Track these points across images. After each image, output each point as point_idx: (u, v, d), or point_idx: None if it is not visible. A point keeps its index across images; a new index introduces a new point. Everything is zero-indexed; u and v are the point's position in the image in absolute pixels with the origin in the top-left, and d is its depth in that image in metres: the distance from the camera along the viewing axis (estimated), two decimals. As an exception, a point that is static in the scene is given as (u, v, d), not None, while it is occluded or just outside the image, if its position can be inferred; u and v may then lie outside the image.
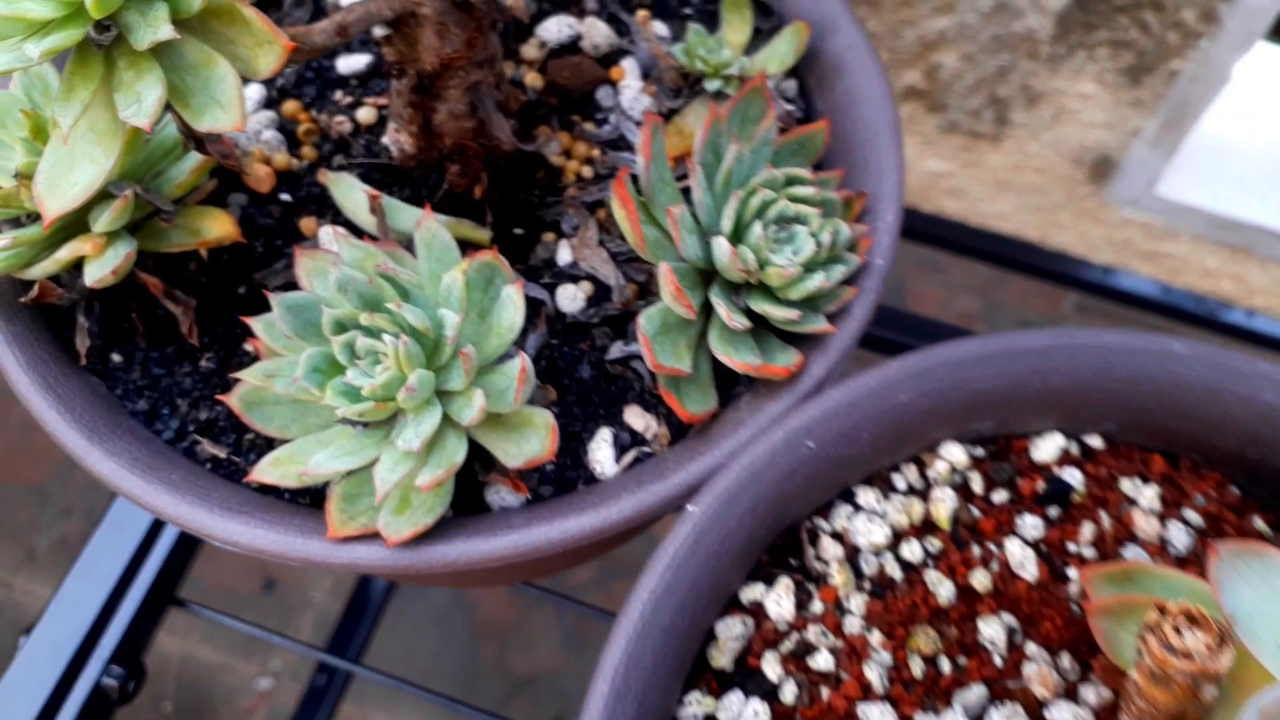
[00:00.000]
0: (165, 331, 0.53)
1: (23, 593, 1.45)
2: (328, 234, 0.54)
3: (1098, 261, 1.28)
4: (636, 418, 0.52)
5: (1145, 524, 0.52)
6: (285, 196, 0.56)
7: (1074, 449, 0.55)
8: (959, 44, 1.10)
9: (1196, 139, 1.19)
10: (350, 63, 0.60)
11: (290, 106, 0.59)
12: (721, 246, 0.48)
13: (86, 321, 0.51)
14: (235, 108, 0.40)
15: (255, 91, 0.59)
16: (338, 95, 0.60)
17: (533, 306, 0.55)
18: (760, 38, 0.63)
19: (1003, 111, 1.16)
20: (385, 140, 0.58)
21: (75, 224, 0.49)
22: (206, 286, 0.54)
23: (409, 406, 0.44)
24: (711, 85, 0.60)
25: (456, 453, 0.45)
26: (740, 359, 0.49)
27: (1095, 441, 0.55)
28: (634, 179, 0.52)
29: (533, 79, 0.61)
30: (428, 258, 0.48)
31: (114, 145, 0.41)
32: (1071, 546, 0.52)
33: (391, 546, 0.45)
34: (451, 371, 0.45)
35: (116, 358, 0.52)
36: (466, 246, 0.55)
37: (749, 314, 0.51)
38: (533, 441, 0.46)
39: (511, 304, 0.46)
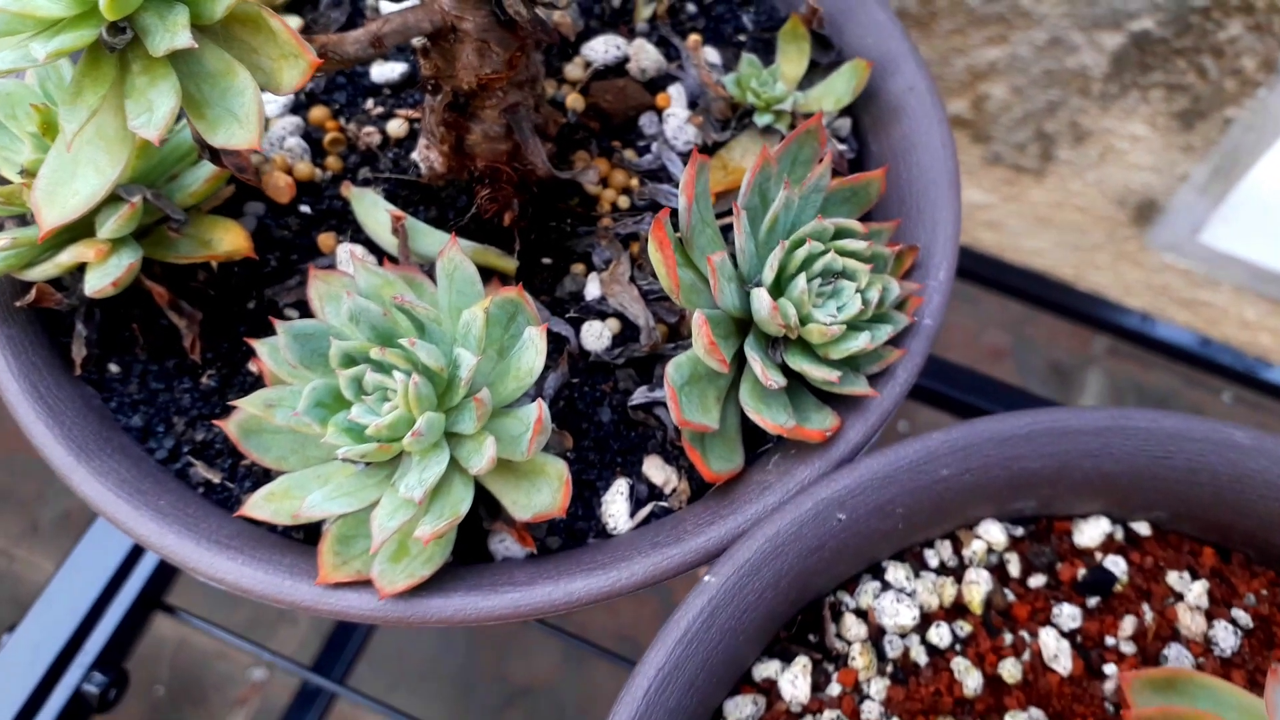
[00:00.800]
0: (167, 344, 0.50)
1: (24, 564, 1.43)
2: (345, 253, 0.51)
3: (1133, 305, 1.25)
4: (656, 470, 0.49)
5: (1190, 621, 0.49)
6: (305, 208, 0.53)
7: (1119, 535, 0.51)
8: (1009, 76, 1.08)
9: (1246, 189, 1.16)
10: (384, 71, 0.57)
11: (318, 113, 0.56)
12: (762, 299, 0.45)
13: (85, 330, 0.49)
14: (253, 123, 0.37)
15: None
16: (369, 104, 0.57)
17: (555, 342, 0.52)
18: (816, 72, 0.60)
19: (1048, 147, 1.14)
20: (415, 156, 0.55)
21: (80, 225, 0.46)
22: (214, 299, 0.51)
23: (415, 450, 0.42)
24: (761, 120, 0.57)
25: (461, 502, 0.42)
26: (772, 419, 0.46)
27: (1143, 528, 0.51)
28: (674, 216, 0.49)
29: (574, 100, 0.58)
30: (448, 289, 0.45)
31: (122, 153, 0.38)
32: (1110, 640, 0.48)
33: (384, 598, 0.42)
34: (463, 414, 0.42)
35: (114, 368, 0.50)
36: (491, 274, 0.52)
37: (785, 370, 0.48)
38: (544, 493, 0.44)
39: (533, 347, 0.43)
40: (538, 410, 0.41)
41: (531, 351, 0.43)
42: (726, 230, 0.53)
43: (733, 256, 0.48)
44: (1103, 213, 1.18)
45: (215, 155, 0.42)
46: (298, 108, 0.56)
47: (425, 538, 0.40)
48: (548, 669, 1.35)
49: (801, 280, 0.46)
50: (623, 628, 1.32)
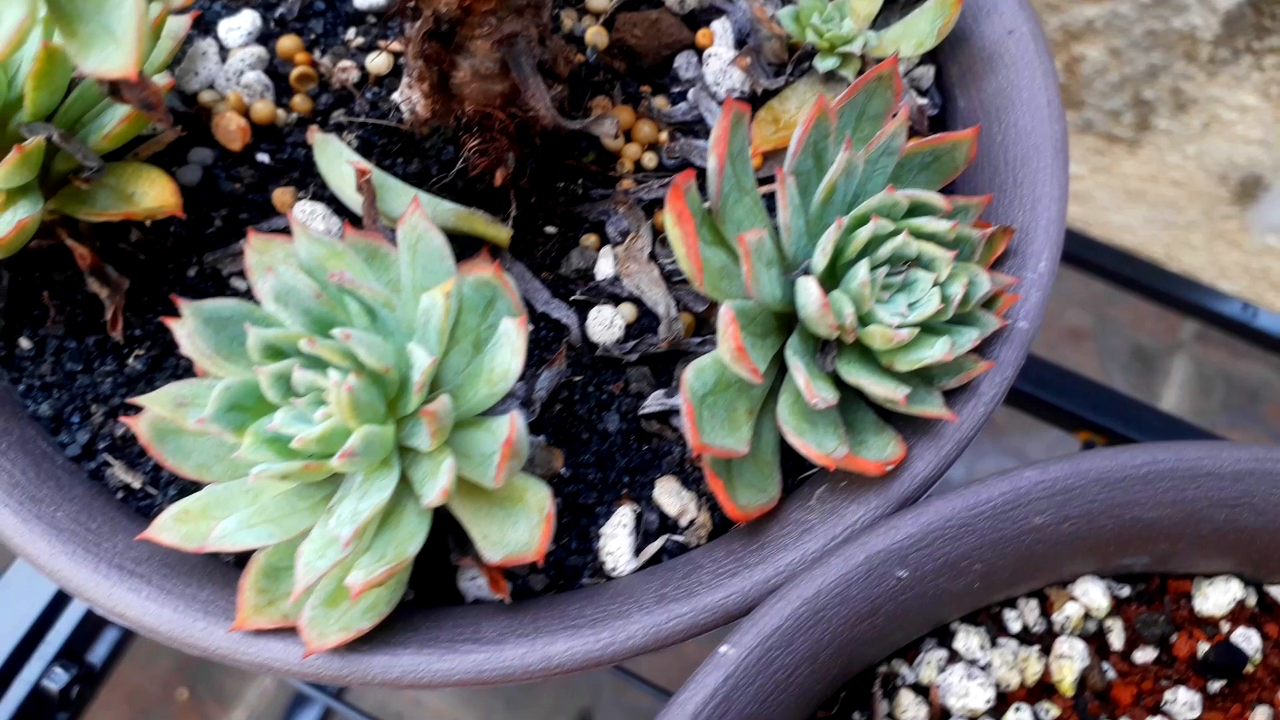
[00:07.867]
0: (90, 317, 0.42)
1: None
2: (304, 212, 0.42)
3: (1228, 290, 1.17)
4: (670, 496, 0.40)
5: (1342, 715, 0.38)
6: (263, 157, 0.44)
7: (1253, 601, 0.41)
8: (1108, 36, 1.00)
9: (1363, 169, 1.05)
10: (370, -7, 0.48)
11: (288, 43, 0.46)
12: (809, 292, 0.35)
13: (-15, 296, 0.40)
14: (129, 44, 0.28)
15: (249, 21, 0.47)
16: (350, 34, 0.48)
17: (555, 331, 0.42)
18: (894, 8, 0.49)
19: (1146, 115, 1.08)
20: (396, 97, 0.45)
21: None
22: (144, 264, 0.42)
23: (350, 471, 0.33)
24: (824, 64, 0.46)
25: (410, 540, 0.33)
26: (817, 445, 0.36)
27: (1285, 595, 0.41)
28: (703, 180, 0.39)
29: (595, 34, 0.48)
30: (411, 264, 0.36)
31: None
32: (1237, 735, 0.38)
33: (311, 655, 0.34)
34: (419, 427, 0.33)
35: (25, 344, 0.42)
36: (480, 244, 0.43)
37: (837, 381, 0.38)
38: (520, 528, 0.34)
39: (508, 345, 0.33)
40: (509, 428, 0.32)
41: (507, 350, 0.33)
42: (773, 200, 0.43)
43: (775, 238, 0.38)
44: (1201, 188, 1.10)
45: (115, 88, 0.33)
46: (265, 37, 0.47)
47: (355, 588, 0.31)
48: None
49: (863, 268, 0.36)
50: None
